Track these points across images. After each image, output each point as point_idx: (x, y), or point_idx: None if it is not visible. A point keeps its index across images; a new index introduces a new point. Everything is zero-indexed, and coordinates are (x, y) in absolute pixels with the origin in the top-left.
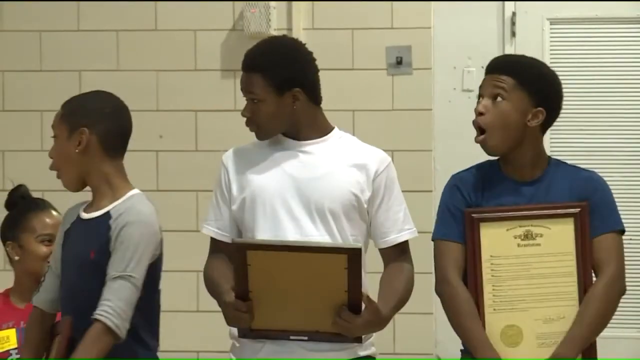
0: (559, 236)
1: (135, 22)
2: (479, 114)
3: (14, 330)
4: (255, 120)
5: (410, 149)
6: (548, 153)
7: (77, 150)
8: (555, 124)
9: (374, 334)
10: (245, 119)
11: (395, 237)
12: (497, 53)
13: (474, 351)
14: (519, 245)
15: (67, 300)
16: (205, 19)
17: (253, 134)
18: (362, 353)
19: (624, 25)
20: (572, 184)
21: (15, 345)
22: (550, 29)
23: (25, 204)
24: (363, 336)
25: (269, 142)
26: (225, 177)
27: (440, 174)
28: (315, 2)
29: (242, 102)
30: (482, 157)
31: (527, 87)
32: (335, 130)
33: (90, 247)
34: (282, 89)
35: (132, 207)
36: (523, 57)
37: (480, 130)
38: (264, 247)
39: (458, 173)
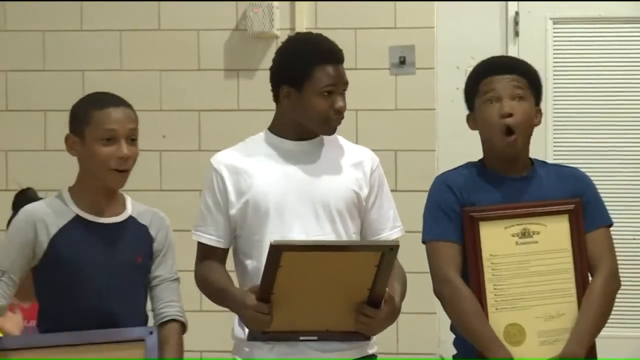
0: (554, 233)
1: (139, 22)
2: (507, 115)
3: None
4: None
5: (413, 149)
6: (550, 152)
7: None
8: (558, 123)
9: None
10: (246, 117)
11: (388, 235)
12: (500, 53)
13: (485, 350)
14: (517, 243)
15: (106, 300)
16: (209, 18)
17: (257, 134)
18: (370, 351)
19: (627, 25)
20: (561, 181)
21: None
22: (554, 28)
23: None
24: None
25: (261, 144)
26: (219, 183)
27: None
28: (318, 2)
29: (245, 101)
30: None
31: (533, 87)
32: None
33: (136, 252)
34: None
35: (156, 210)
36: (515, 57)
37: (509, 131)
38: (302, 247)
39: (444, 173)
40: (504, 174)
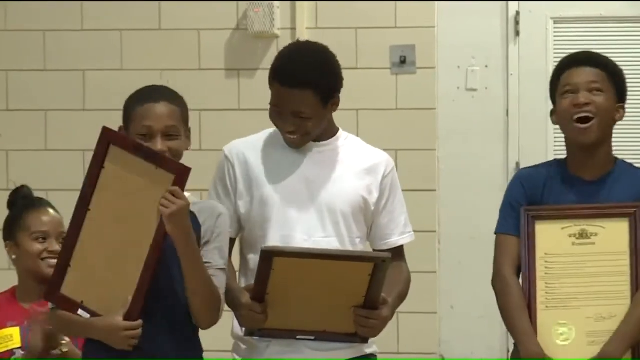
0: (613, 235)
1: (139, 21)
2: (582, 105)
3: (17, 329)
4: (301, 133)
5: (414, 149)
6: (552, 151)
7: (188, 148)
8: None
9: None
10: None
11: (397, 240)
12: (501, 52)
13: (518, 343)
14: (573, 244)
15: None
16: (209, 18)
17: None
18: (368, 350)
19: (627, 24)
20: (633, 185)
21: (19, 344)
22: (554, 28)
23: (24, 203)
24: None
25: (276, 139)
26: (231, 172)
27: (444, 173)
28: (319, 2)
29: (246, 101)
30: (486, 157)
31: (614, 81)
32: (341, 132)
33: None
34: (327, 101)
35: (212, 202)
36: (598, 53)
37: (584, 120)
38: (292, 254)
39: (524, 169)
40: (581, 174)
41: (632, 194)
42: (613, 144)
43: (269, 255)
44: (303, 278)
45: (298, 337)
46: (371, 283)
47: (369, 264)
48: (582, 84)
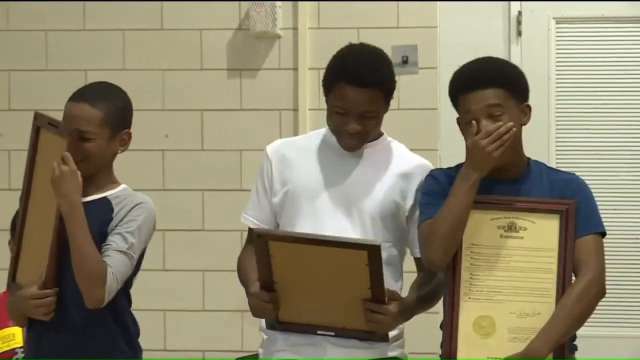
0: (542, 232)
1: (141, 21)
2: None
3: (19, 328)
4: (363, 134)
5: (416, 149)
6: (553, 152)
7: (119, 151)
8: (561, 122)
9: (402, 336)
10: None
11: None
12: (502, 52)
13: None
14: (501, 236)
15: (61, 279)
16: (211, 18)
17: (260, 133)
18: (391, 353)
19: (629, 25)
20: (552, 184)
21: (21, 344)
22: (556, 28)
23: None
24: (390, 336)
25: (318, 138)
26: (268, 169)
27: None
28: (320, 2)
29: (247, 101)
30: None
31: (513, 91)
32: (385, 136)
33: (90, 228)
34: (388, 100)
35: (136, 194)
36: (490, 62)
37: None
38: (284, 238)
39: (435, 169)
40: (492, 175)
41: (551, 193)
42: (617, 143)
43: (263, 238)
44: (305, 265)
45: (318, 332)
46: (371, 274)
47: (363, 252)
48: (482, 112)
